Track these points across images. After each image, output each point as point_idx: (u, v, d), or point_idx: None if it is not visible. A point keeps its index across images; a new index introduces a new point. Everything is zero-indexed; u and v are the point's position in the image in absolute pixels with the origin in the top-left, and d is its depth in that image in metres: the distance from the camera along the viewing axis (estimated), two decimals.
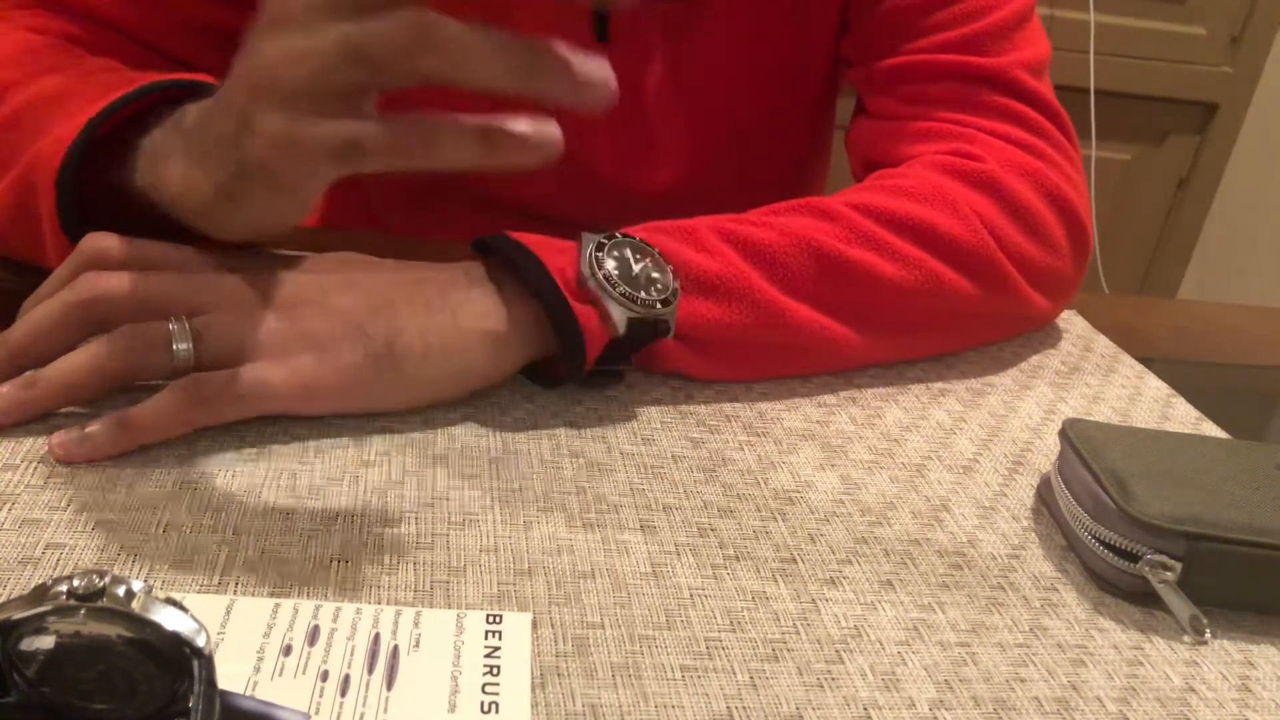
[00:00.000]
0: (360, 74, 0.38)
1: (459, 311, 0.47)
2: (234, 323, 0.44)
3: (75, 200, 0.47)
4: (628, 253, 0.49)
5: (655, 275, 0.48)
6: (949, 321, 0.58)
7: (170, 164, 0.44)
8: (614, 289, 0.47)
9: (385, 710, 0.32)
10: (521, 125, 0.38)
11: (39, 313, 0.43)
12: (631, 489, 0.45)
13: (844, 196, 0.57)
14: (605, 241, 0.49)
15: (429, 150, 0.39)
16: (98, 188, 0.48)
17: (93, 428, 0.41)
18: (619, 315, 0.47)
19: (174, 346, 0.42)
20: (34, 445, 0.42)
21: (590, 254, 0.48)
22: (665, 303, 0.48)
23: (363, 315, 0.45)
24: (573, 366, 0.48)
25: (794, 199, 0.56)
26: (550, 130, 0.37)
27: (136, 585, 0.26)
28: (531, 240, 0.49)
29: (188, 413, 0.42)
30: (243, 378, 0.43)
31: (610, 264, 0.48)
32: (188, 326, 0.43)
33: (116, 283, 0.43)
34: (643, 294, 0.47)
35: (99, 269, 0.44)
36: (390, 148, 0.38)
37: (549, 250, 0.48)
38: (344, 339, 0.44)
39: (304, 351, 0.44)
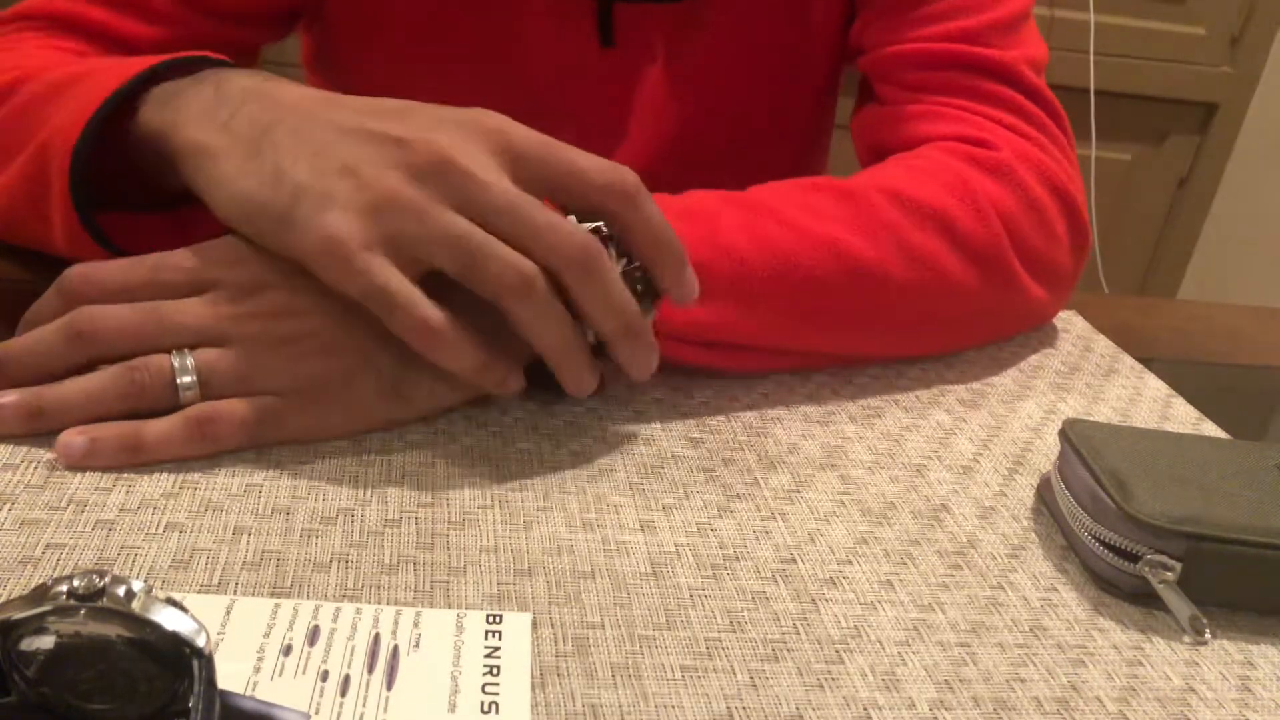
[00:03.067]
0: (446, 262, 0.41)
1: None
2: (240, 359, 0.43)
3: (88, 176, 0.47)
4: (612, 250, 0.48)
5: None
6: (951, 316, 0.58)
7: (191, 125, 0.46)
8: None
9: (385, 710, 0.32)
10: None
11: (37, 345, 0.43)
12: (631, 489, 0.45)
13: (869, 177, 0.56)
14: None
15: (430, 349, 0.42)
16: (110, 165, 0.48)
17: (99, 435, 0.41)
18: None
19: (178, 381, 0.42)
20: (34, 445, 0.42)
21: None
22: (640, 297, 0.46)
23: (373, 348, 0.45)
24: None
25: None
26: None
27: (136, 585, 0.26)
28: None
29: (196, 442, 0.42)
30: (252, 413, 0.43)
31: None
32: (190, 362, 0.42)
33: (115, 320, 0.43)
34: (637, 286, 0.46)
35: (89, 301, 0.43)
36: (413, 330, 0.42)
37: None
38: (353, 375, 0.44)
39: (312, 386, 0.44)
